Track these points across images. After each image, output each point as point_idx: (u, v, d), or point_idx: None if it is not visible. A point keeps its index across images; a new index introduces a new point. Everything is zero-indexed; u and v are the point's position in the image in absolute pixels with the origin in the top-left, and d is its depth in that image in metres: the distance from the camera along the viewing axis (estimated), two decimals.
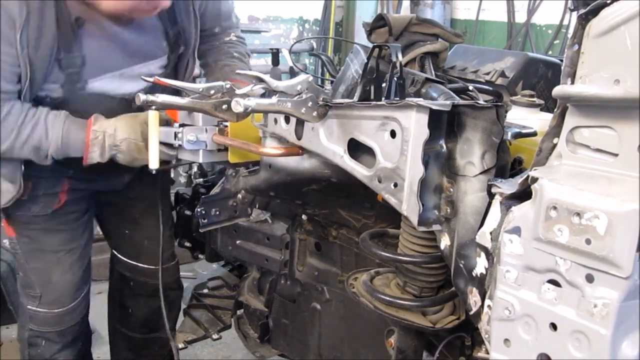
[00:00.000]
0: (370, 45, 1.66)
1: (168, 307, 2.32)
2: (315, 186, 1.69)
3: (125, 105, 1.86)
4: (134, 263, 2.33)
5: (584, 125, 1.04)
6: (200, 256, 2.50)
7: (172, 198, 2.52)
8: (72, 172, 1.99)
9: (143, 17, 1.80)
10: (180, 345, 2.33)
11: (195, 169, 2.51)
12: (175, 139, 1.79)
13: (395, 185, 1.26)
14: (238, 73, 1.80)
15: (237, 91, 1.44)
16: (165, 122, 1.80)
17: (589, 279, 0.96)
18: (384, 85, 1.47)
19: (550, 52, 4.64)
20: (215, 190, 2.09)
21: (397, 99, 1.38)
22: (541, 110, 1.68)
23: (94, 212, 2.27)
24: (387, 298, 1.48)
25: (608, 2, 0.99)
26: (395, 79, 1.44)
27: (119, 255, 2.37)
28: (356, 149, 1.38)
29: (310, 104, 1.40)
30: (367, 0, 5.38)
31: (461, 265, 1.25)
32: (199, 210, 1.89)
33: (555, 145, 1.10)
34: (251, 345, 2.30)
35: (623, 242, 0.91)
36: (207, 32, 2.16)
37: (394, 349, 1.59)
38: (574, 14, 1.08)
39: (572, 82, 1.05)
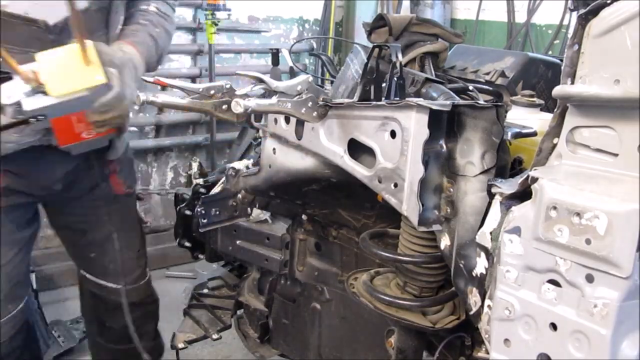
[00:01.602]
0: (370, 45, 1.65)
1: (146, 318, 2.30)
2: (315, 186, 1.68)
3: (37, 31, 1.67)
4: (103, 282, 2.23)
5: (584, 125, 1.05)
6: (200, 256, 2.50)
7: (173, 198, 2.52)
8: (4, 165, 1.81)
9: None
10: (181, 345, 2.33)
11: (195, 169, 2.51)
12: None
13: (396, 185, 1.26)
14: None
15: (237, 91, 1.44)
16: None
17: (589, 279, 0.96)
18: (384, 85, 1.47)
19: (550, 52, 4.63)
20: (215, 190, 2.09)
21: (397, 99, 1.38)
22: (541, 110, 1.68)
23: (59, 235, 2.23)
24: (387, 298, 1.48)
25: (608, 2, 0.99)
26: (395, 79, 1.44)
27: (87, 275, 2.26)
28: (356, 149, 1.38)
29: (310, 104, 1.40)
30: (367, 0, 5.38)
31: (461, 265, 1.25)
32: (199, 210, 1.89)
33: (555, 145, 1.10)
34: (251, 345, 2.29)
35: (623, 242, 0.91)
36: None
37: (394, 349, 1.59)
38: (574, 14, 1.08)
39: (572, 82, 1.05)
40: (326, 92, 1.68)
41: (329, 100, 1.43)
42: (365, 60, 1.50)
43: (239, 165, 2.00)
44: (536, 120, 1.49)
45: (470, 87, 1.60)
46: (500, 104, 1.22)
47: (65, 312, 3.21)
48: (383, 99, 1.44)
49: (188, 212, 2.36)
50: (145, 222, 2.18)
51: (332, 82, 2.01)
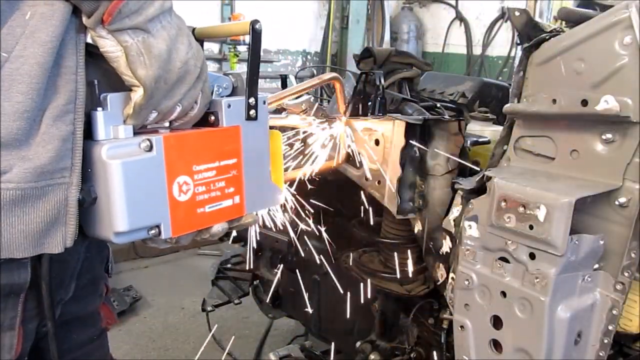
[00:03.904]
0: (359, 72, 1.65)
1: None
2: (316, 183, 1.68)
3: None
4: None
5: (528, 135, 1.04)
6: (225, 238, 2.48)
7: None
8: None
9: None
10: (209, 308, 2.32)
11: None
12: None
13: (379, 182, 1.25)
14: None
15: None
16: None
17: (532, 256, 0.96)
18: (369, 103, 1.46)
19: (500, 78, 4.62)
20: None
21: (380, 114, 1.37)
22: (494, 123, 1.68)
23: None
24: (372, 271, 1.48)
25: (547, 37, 0.99)
26: (379, 98, 1.43)
27: None
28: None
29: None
30: (356, 36, 5.39)
31: (430, 246, 1.24)
32: None
33: (505, 151, 1.10)
34: (265, 308, 2.29)
35: (559, 227, 0.90)
36: None
37: (377, 311, 1.58)
38: (520, 47, 1.08)
39: (519, 101, 1.05)
40: (324, 109, 1.67)
41: (327, 115, 1.43)
42: (355, 84, 1.50)
43: None
44: (489, 131, 1.48)
45: (438, 105, 1.59)
46: (461, 118, 1.21)
47: (118, 283, 3.20)
48: (369, 114, 1.43)
49: None
50: None
51: (329, 102, 2.00)
